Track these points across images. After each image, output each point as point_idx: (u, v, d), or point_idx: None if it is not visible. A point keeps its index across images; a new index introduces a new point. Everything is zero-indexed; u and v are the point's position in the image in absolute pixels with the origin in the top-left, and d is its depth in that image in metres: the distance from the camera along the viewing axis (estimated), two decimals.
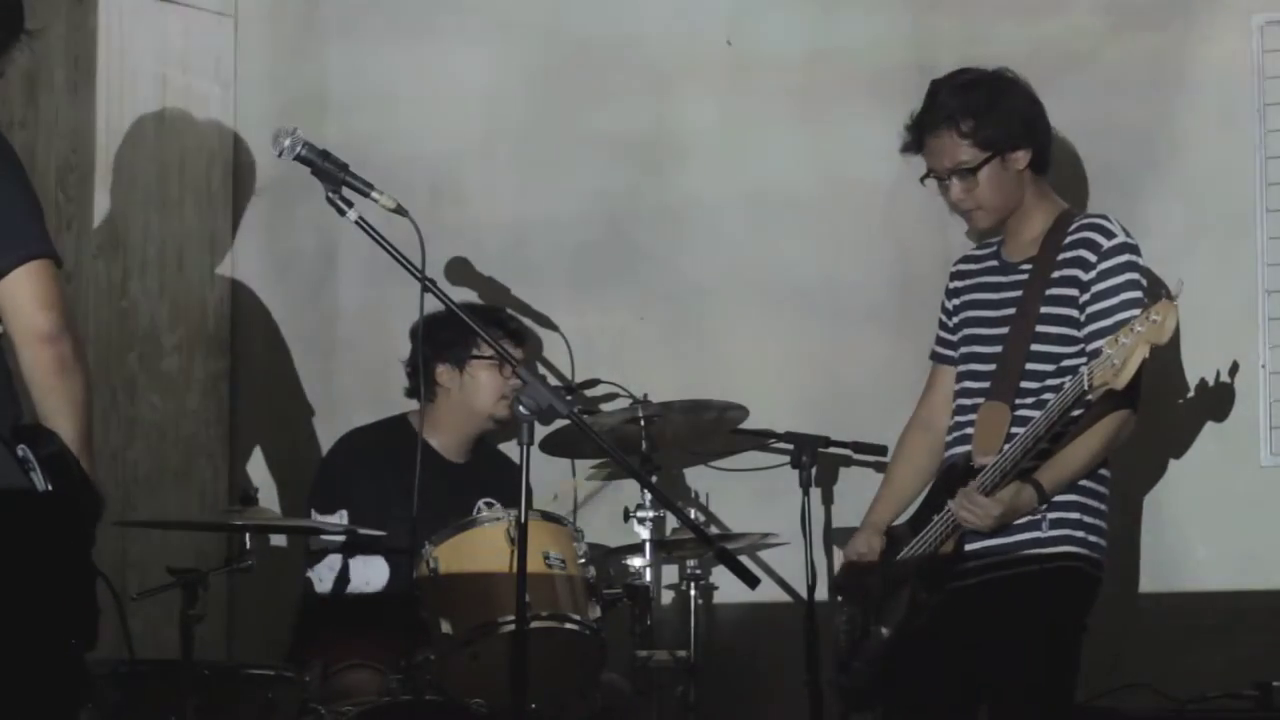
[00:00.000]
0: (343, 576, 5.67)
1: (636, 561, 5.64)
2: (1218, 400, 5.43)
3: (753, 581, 4.45)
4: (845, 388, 5.94)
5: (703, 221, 6.17)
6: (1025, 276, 4.99)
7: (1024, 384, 4.91)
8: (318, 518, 5.68)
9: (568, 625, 5.10)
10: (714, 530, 5.89)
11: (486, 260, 6.31)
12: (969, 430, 4.97)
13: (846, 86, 6.01)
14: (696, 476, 6.12)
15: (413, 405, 5.83)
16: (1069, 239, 4.94)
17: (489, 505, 5.60)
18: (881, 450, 5.60)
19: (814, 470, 5.50)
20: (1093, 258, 4.89)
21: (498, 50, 6.43)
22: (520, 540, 4.40)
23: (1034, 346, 4.92)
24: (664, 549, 5.68)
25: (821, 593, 5.41)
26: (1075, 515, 4.88)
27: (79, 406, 4.09)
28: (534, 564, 4.93)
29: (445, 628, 5.07)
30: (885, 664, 4.98)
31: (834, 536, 5.84)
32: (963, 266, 5.21)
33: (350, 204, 4.42)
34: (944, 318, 5.22)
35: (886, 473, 5.29)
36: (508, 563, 4.94)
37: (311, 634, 5.59)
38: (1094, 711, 5.07)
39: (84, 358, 4.13)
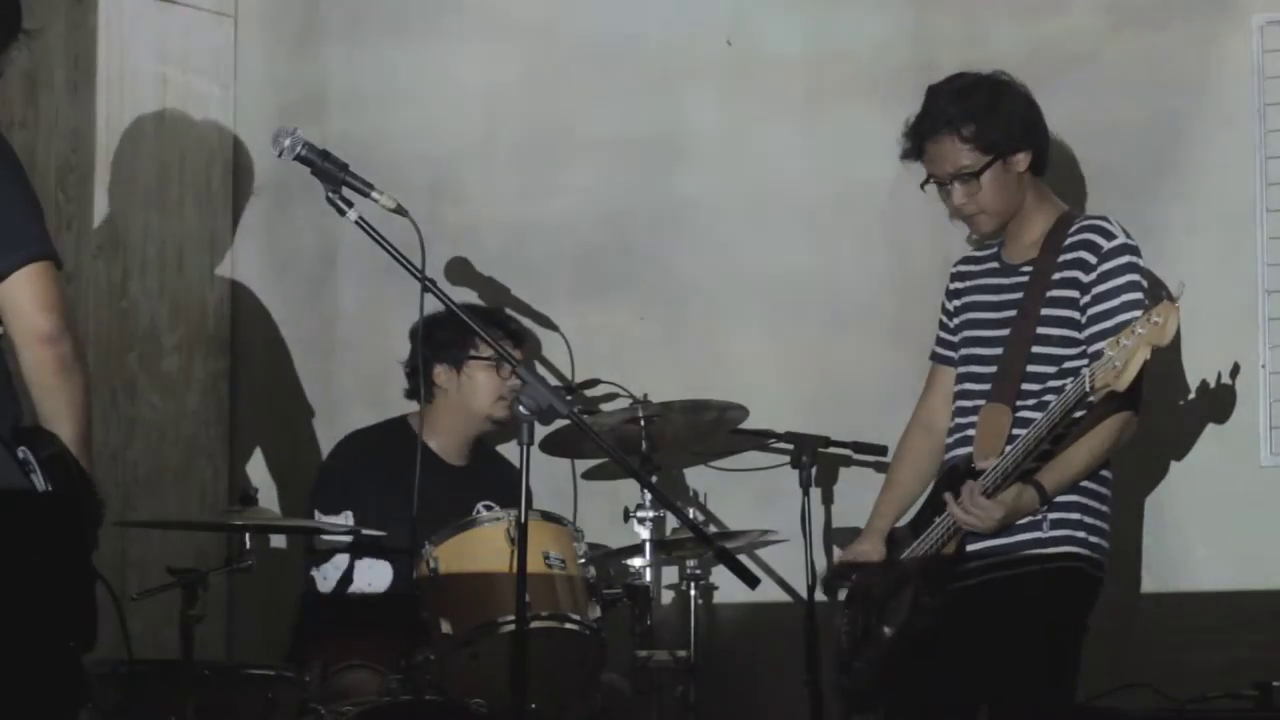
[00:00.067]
0: (346, 577, 5.67)
1: (636, 561, 5.64)
2: (1218, 401, 5.43)
3: (753, 581, 4.45)
4: (845, 388, 5.94)
5: (703, 221, 6.17)
6: (1026, 278, 4.99)
7: (1025, 386, 4.91)
8: (322, 519, 5.67)
9: (568, 625, 5.10)
10: (714, 530, 5.89)
11: (486, 260, 6.31)
12: (970, 432, 4.97)
13: (847, 87, 6.01)
14: (696, 476, 6.12)
15: (413, 407, 5.83)
16: (1069, 241, 4.94)
17: (488, 508, 5.59)
18: (881, 450, 5.60)
19: (814, 470, 5.51)
20: (1093, 259, 4.89)
21: (498, 50, 6.43)
22: (520, 540, 4.40)
23: (1035, 348, 4.92)
24: (664, 549, 5.68)
25: (821, 593, 5.41)
26: (1076, 516, 4.88)
27: (79, 408, 4.09)
28: (534, 564, 4.93)
29: (445, 628, 5.08)
30: (887, 665, 4.98)
31: (834, 536, 5.84)
32: (963, 268, 5.21)
33: (350, 204, 4.42)
34: (944, 318, 5.22)
35: (888, 475, 5.28)
36: (508, 563, 4.94)
37: (311, 634, 5.59)
38: (1094, 711, 5.07)
39: (84, 359, 4.13)
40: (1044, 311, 4.92)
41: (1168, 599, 5.55)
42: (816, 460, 5.53)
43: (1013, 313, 4.99)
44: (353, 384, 6.46)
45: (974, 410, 4.98)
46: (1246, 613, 5.43)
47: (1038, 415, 4.79)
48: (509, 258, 6.33)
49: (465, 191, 6.41)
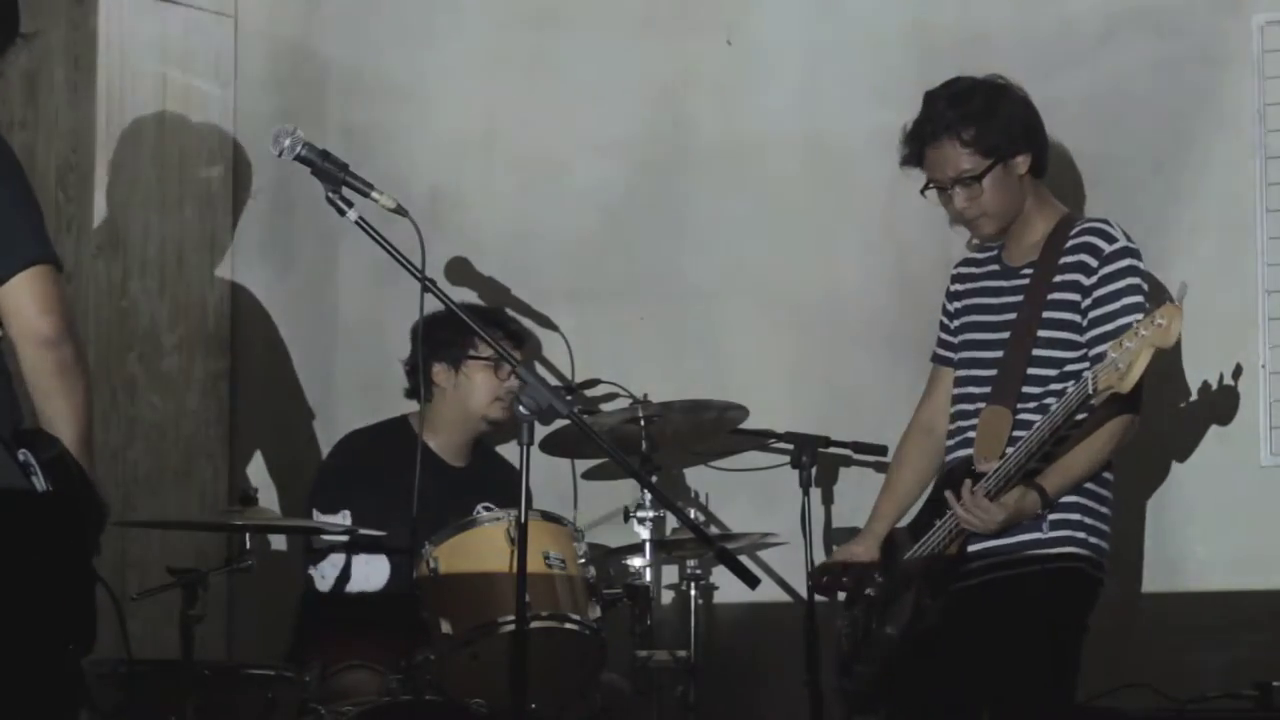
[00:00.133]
0: (344, 574, 5.67)
1: (636, 561, 5.64)
2: (1219, 402, 5.43)
3: (753, 581, 4.45)
4: (845, 387, 5.94)
5: (703, 221, 6.17)
6: (1026, 281, 4.99)
7: (1026, 388, 4.91)
8: (320, 518, 5.67)
9: (568, 625, 5.10)
10: (714, 530, 5.89)
11: (486, 260, 6.31)
12: (970, 434, 4.97)
13: (847, 87, 6.01)
14: (696, 476, 6.12)
15: (413, 406, 5.83)
16: (1070, 243, 4.94)
17: (488, 509, 5.59)
18: (881, 450, 5.60)
19: (814, 470, 5.51)
20: (1094, 262, 4.89)
21: (498, 50, 6.43)
22: (520, 540, 4.40)
23: (1036, 351, 4.92)
24: (664, 549, 5.68)
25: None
26: (1077, 516, 4.88)
27: (80, 411, 4.09)
28: (534, 564, 4.93)
29: (445, 628, 5.08)
30: (889, 667, 4.98)
31: (834, 536, 5.84)
32: (964, 270, 5.21)
33: (350, 204, 4.42)
34: (945, 319, 5.22)
35: (887, 477, 5.28)
36: (508, 563, 4.94)
37: (311, 634, 5.59)
38: (1094, 711, 5.07)
39: (85, 362, 4.13)
40: (1045, 314, 4.92)
41: (1168, 599, 5.55)
42: (816, 460, 5.53)
43: (1013, 315, 4.99)
44: (353, 384, 6.46)
45: (974, 412, 4.98)
46: (1246, 613, 5.43)
47: (1038, 418, 4.79)
48: (509, 258, 6.33)
49: (465, 191, 6.41)
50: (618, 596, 5.37)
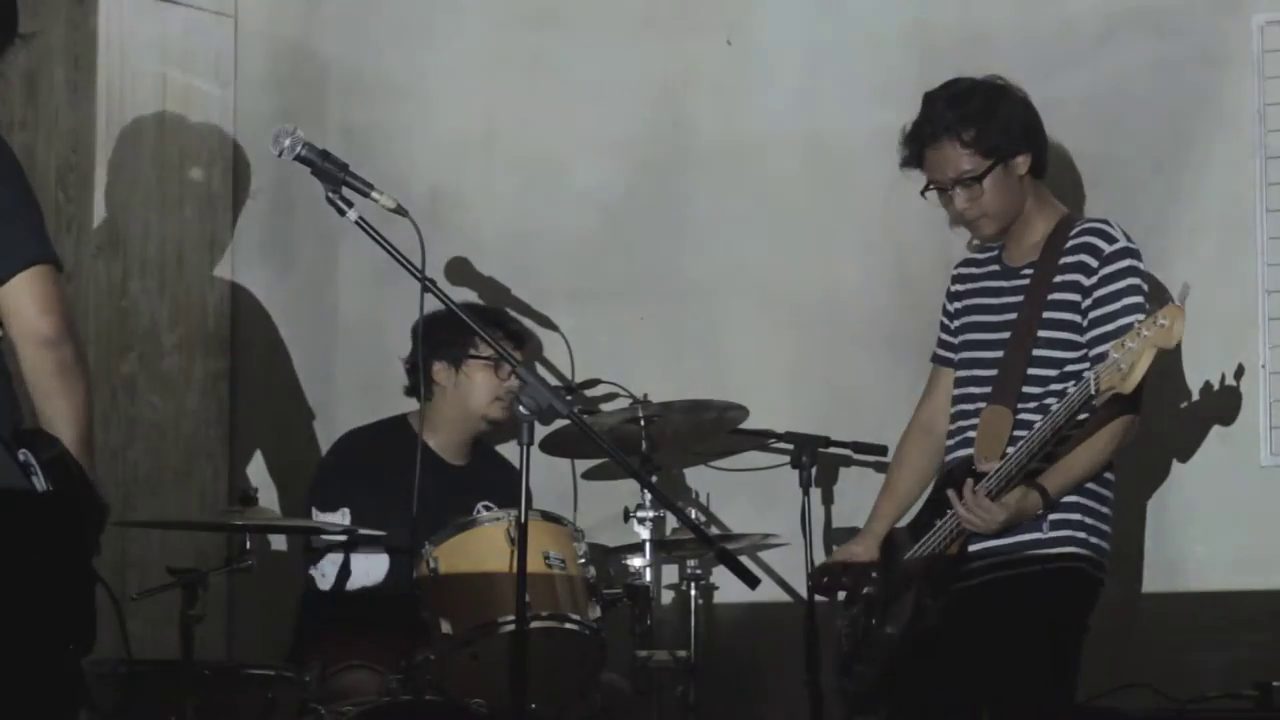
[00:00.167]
0: (345, 570, 5.67)
1: (636, 561, 5.64)
2: (1220, 402, 5.43)
3: (753, 582, 4.45)
4: (845, 387, 5.94)
5: (703, 221, 6.17)
6: (1027, 281, 4.99)
7: (1026, 389, 4.91)
8: (319, 516, 5.67)
9: (568, 625, 5.10)
10: (714, 530, 5.89)
11: (486, 260, 6.31)
12: (970, 434, 4.97)
13: (847, 87, 6.01)
14: (696, 476, 6.12)
15: (413, 405, 5.83)
16: (1070, 244, 4.94)
17: (487, 508, 5.59)
18: (881, 450, 5.60)
19: (814, 470, 5.51)
20: (1094, 263, 4.89)
21: (498, 50, 6.43)
22: (520, 540, 4.40)
23: (1036, 351, 4.92)
24: (664, 549, 5.68)
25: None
26: (1077, 516, 4.88)
27: (80, 411, 4.08)
28: (534, 564, 4.93)
29: (445, 628, 5.07)
30: (889, 667, 4.98)
31: (834, 536, 5.84)
32: (964, 270, 5.21)
33: (350, 204, 4.42)
34: (945, 319, 5.22)
35: (887, 477, 5.28)
36: (508, 563, 4.94)
37: (311, 634, 5.59)
38: (1094, 711, 5.07)
39: (85, 362, 4.13)
40: (1045, 314, 4.92)
41: (1168, 599, 5.54)
42: (816, 460, 5.53)
43: (1013, 315, 4.98)
44: (353, 384, 6.46)
45: (975, 413, 4.98)
46: (1246, 613, 5.43)
47: (1038, 418, 4.79)
48: (509, 258, 6.33)
49: (465, 191, 6.41)
50: (618, 596, 5.37)
